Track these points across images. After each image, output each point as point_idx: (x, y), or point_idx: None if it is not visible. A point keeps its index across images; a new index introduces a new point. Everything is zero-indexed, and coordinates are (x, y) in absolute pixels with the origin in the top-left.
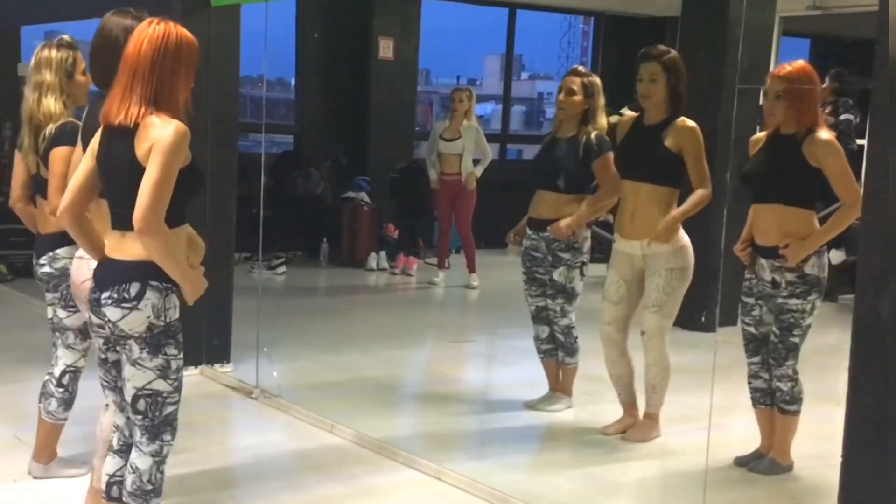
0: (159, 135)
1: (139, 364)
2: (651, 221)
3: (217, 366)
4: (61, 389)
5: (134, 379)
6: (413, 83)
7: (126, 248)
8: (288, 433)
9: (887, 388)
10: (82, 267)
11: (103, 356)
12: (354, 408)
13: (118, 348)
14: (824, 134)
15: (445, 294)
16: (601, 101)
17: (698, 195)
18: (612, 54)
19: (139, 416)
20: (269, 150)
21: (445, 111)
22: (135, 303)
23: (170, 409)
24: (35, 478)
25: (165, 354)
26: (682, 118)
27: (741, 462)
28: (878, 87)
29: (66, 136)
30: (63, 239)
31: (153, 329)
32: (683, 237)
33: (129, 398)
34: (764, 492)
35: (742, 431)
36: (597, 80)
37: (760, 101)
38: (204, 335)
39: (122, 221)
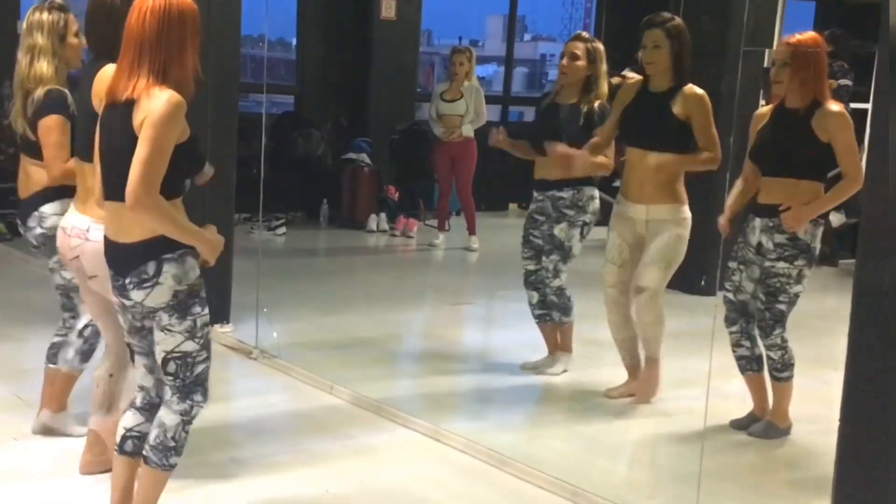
0: (153, 106)
1: (168, 330)
2: (659, 188)
3: (217, 326)
4: (81, 340)
5: (163, 343)
6: (415, 44)
7: (129, 229)
8: (287, 393)
9: (886, 353)
10: (67, 242)
11: (138, 324)
12: (353, 368)
13: (147, 322)
14: (834, 107)
15: (445, 256)
16: (604, 67)
17: (704, 155)
18: (616, 15)
19: (170, 378)
20: (270, 111)
21: (446, 73)
22: (155, 279)
23: (200, 368)
24: (43, 425)
25: (192, 315)
26: (691, 85)
27: (736, 425)
28: (882, 53)
29: (52, 103)
30: (46, 196)
31: (178, 295)
32: (686, 210)
33: (158, 360)
34: (760, 455)
35: (739, 395)
36: (600, 46)
37: (766, 64)
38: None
39: (116, 191)
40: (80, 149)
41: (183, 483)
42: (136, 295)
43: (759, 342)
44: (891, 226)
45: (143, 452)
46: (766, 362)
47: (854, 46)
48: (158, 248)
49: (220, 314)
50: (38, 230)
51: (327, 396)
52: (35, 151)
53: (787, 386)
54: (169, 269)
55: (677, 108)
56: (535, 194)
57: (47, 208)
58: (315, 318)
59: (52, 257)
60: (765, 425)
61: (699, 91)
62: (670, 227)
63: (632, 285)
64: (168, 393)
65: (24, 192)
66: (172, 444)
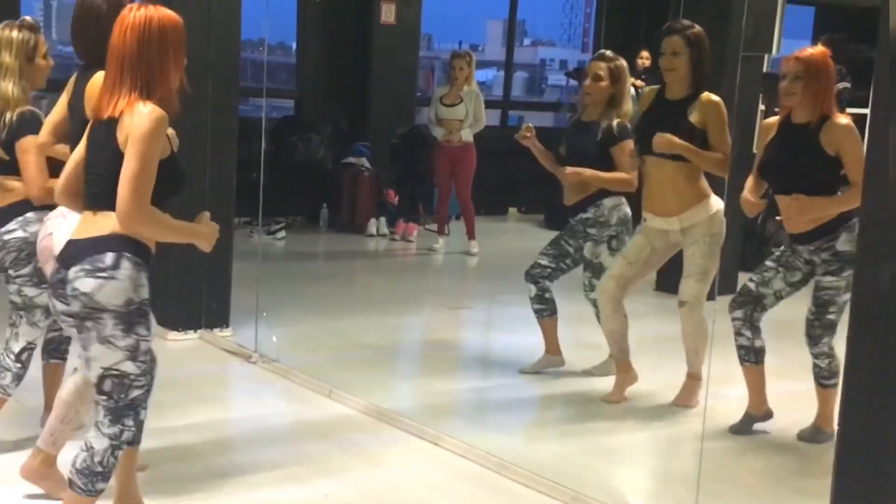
0: (136, 122)
1: (110, 342)
2: (683, 194)
3: (216, 330)
4: (19, 365)
5: (102, 358)
6: (415, 48)
7: (97, 225)
8: (286, 398)
9: (885, 357)
10: (49, 242)
11: (76, 335)
12: (353, 373)
13: (88, 324)
14: (843, 119)
15: (445, 260)
16: (627, 85)
17: (717, 155)
18: (615, 21)
19: (104, 398)
20: (270, 115)
21: (446, 77)
22: (111, 272)
23: (136, 392)
24: None
25: (137, 335)
26: (707, 93)
27: (735, 430)
28: (881, 59)
29: (26, 125)
30: (29, 204)
31: (130, 304)
32: (718, 202)
33: (94, 378)
34: (759, 458)
35: (739, 399)
36: (623, 63)
37: (764, 69)
38: (203, 299)
39: (96, 201)
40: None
41: (182, 487)
42: (84, 284)
43: (761, 335)
44: (889, 230)
45: (68, 475)
46: (813, 370)
47: (852, 51)
48: (122, 243)
49: (220, 318)
50: (20, 233)
51: (326, 401)
52: (8, 169)
53: (832, 392)
54: (127, 268)
55: (694, 116)
56: (571, 219)
57: (33, 215)
58: (315, 322)
59: (24, 268)
60: (813, 429)
61: (715, 98)
62: (704, 228)
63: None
64: (100, 413)
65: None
66: (99, 469)
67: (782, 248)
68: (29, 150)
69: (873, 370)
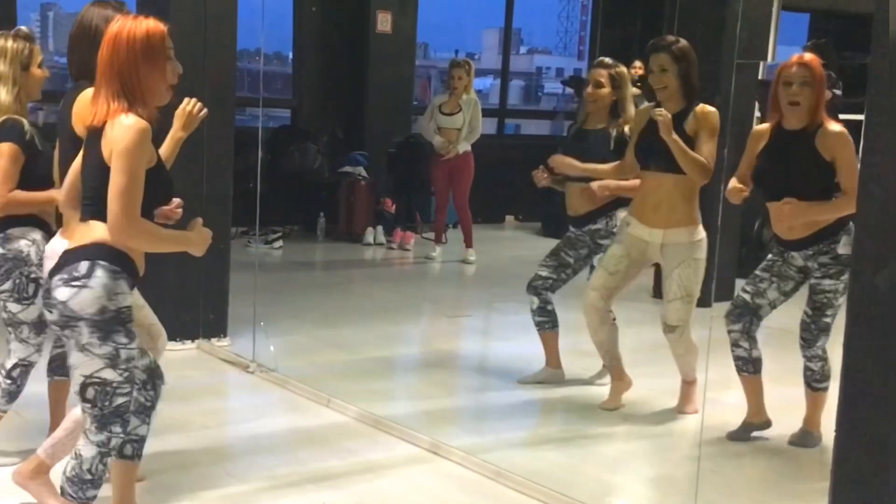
0: (117, 135)
1: (88, 350)
2: (675, 211)
3: (214, 340)
4: (9, 381)
5: (82, 366)
6: (411, 57)
7: (83, 235)
8: (284, 407)
9: (881, 363)
10: (49, 265)
11: (62, 342)
12: (351, 382)
13: (67, 332)
14: (836, 126)
15: (442, 269)
16: (629, 91)
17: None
18: (611, 29)
19: (88, 405)
20: (266, 125)
21: (444, 86)
22: (84, 280)
23: (121, 400)
24: None
25: (115, 342)
26: (703, 105)
27: (733, 437)
28: (877, 64)
29: (5, 132)
30: (13, 220)
31: (105, 312)
32: (701, 231)
33: (76, 386)
34: (755, 465)
35: (736, 406)
36: (623, 70)
37: (759, 76)
38: (200, 310)
39: (87, 211)
40: (62, 173)
41: (180, 497)
42: (61, 293)
43: (758, 345)
44: (885, 233)
45: (60, 483)
46: (804, 373)
47: (845, 57)
48: (97, 252)
49: (218, 328)
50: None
51: (325, 410)
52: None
53: (821, 396)
54: (101, 276)
55: (690, 129)
56: (572, 227)
57: (16, 231)
58: (312, 331)
59: (4, 285)
60: (801, 433)
61: (710, 108)
62: (687, 251)
63: (661, 323)
64: (87, 421)
65: None
66: (89, 476)
67: (772, 256)
68: (0, 156)
69: (870, 374)
